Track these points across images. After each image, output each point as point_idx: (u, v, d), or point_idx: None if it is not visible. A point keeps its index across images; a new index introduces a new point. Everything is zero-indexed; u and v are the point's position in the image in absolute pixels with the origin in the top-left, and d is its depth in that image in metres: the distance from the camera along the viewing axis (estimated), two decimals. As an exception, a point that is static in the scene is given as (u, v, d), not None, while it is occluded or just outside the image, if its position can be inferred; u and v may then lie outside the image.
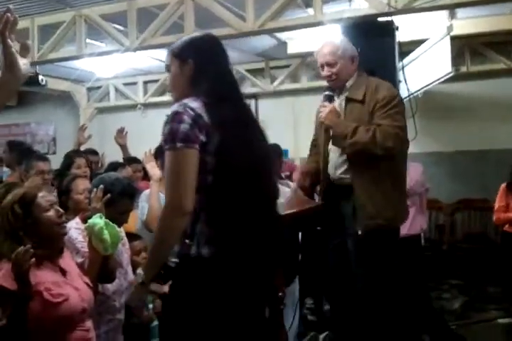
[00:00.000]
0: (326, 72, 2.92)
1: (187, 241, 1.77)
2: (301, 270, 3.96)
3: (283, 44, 6.52)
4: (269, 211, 1.88)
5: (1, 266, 1.90)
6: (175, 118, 1.75)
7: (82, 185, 3.01)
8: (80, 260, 2.39)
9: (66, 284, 1.99)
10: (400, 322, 2.87)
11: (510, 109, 6.44)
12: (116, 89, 8.59)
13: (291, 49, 6.57)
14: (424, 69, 5.04)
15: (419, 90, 5.13)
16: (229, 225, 1.75)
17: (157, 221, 1.80)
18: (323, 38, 5.25)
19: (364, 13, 4.18)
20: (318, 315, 4.55)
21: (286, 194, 2.63)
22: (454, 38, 4.78)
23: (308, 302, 4.72)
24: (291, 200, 2.65)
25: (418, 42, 5.19)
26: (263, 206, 1.84)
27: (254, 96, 7.89)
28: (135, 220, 3.52)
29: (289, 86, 7.63)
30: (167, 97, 7.28)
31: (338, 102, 2.94)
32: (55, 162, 4.38)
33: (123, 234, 2.73)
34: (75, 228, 2.58)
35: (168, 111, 1.83)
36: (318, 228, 3.50)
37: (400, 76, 4.21)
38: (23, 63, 1.54)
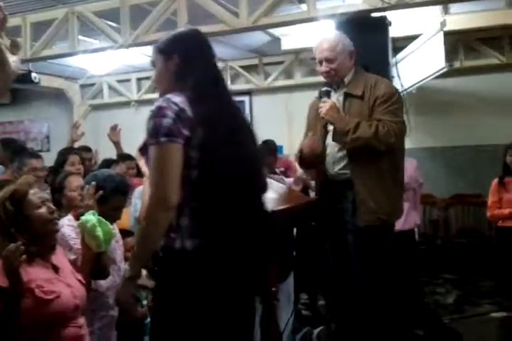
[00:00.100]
0: (324, 67, 2.91)
1: (172, 234, 1.77)
2: (296, 265, 3.97)
3: (277, 40, 6.52)
4: (255, 205, 1.88)
5: (-8, 263, 1.90)
6: (158, 113, 1.75)
7: (75, 182, 3.00)
8: (72, 257, 2.39)
9: (58, 281, 1.99)
10: (394, 317, 2.88)
11: (504, 105, 6.46)
12: (110, 86, 8.57)
13: (285, 45, 6.57)
14: (418, 64, 5.05)
15: (412, 86, 5.15)
16: (213, 219, 1.75)
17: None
18: (317, 34, 5.29)
19: (357, 8, 4.18)
20: (312, 310, 4.56)
21: (281, 189, 2.62)
22: (447, 34, 4.79)
23: (302, 297, 4.73)
24: (286, 196, 2.65)
25: (411, 38, 5.21)
26: (249, 200, 1.83)
27: (248, 92, 7.91)
28: (128, 217, 3.52)
29: (283, 82, 7.62)
30: (161, 94, 7.27)
31: (336, 98, 2.93)
32: (49, 159, 4.38)
33: (116, 230, 2.73)
34: (67, 225, 2.57)
35: None
36: (313, 223, 3.52)
37: (394, 72, 4.22)
38: (13, 60, 1.53)
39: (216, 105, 1.83)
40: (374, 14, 4.18)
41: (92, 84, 8.63)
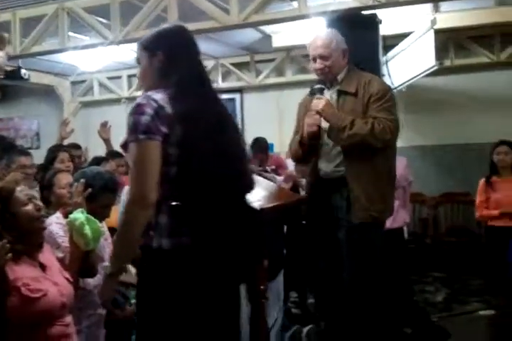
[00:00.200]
0: (318, 64, 2.91)
1: (150, 232, 1.77)
2: (286, 264, 3.97)
3: (268, 38, 6.50)
4: (238, 203, 1.86)
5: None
6: (137, 110, 1.75)
7: (64, 179, 2.99)
8: (60, 255, 2.38)
9: (45, 279, 1.98)
10: (383, 315, 2.89)
11: (494, 103, 6.48)
12: (101, 83, 8.52)
13: (276, 43, 6.56)
14: (408, 63, 5.06)
15: (403, 84, 5.16)
16: (191, 217, 1.74)
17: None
18: (308, 32, 5.29)
19: (348, 6, 4.17)
20: (302, 309, 4.56)
21: (270, 187, 2.62)
22: (437, 32, 4.79)
23: (292, 295, 4.73)
24: (275, 193, 2.64)
25: (402, 36, 5.21)
26: (231, 198, 1.82)
27: (240, 90, 7.90)
28: (117, 215, 3.49)
29: (274, 80, 7.61)
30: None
31: (329, 95, 2.93)
32: (39, 157, 4.35)
33: (105, 228, 2.72)
34: (55, 223, 2.56)
35: None
36: (303, 222, 3.52)
37: (384, 70, 4.22)
38: (0, 56, 1.52)
39: (198, 102, 1.82)
40: (364, 12, 4.17)
41: (83, 81, 8.58)
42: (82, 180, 2.45)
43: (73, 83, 8.60)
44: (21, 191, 2.03)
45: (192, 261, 1.73)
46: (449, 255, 6.12)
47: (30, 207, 2.01)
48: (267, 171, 4.72)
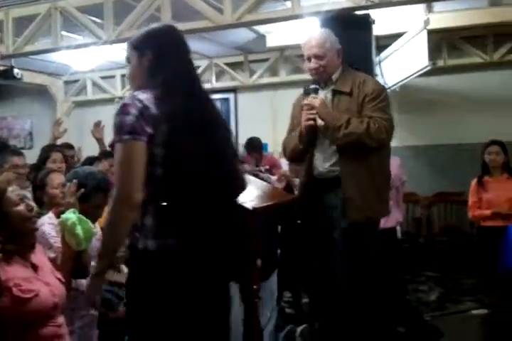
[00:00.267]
0: (313, 64, 2.91)
1: (136, 233, 1.76)
2: (280, 263, 3.97)
3: (262, 37, 6.51)
4: (227, 203, 1.86)
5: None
6: (122, 110, 1.75)
7: (57, 179, 2.98)
8: (52, 255, 2.37)
9: (37, 280, 1.97)
10: (377, 315, 2.90)
11: (487, 103, 6.51)
12: (94, 83, 8.51)
13: (270, 42, 6.57)
14: (402, 63, 5.07)
15: (396, 84, 5.17)
16: (176, 218, 1.74)
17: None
18: (301, 32, 5.29)
19: (341, 6, 4.18)
20: (296, 308, 4.56)
21: (263, 187, 2.62)
22: (431, 32, 4.81)
23: (286, 295, 4.73)
24: (268, 193, 2.64)
25: (395, 36, 5.22)
26: (219, 198, 1.81)
27: (233, 89, 7.90)
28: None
29: (268, 79, 7.62)
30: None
31: (323, 95, 2.93)
32: (32, 156, 4.34)
33: (97, 229, 2.70)
34: (48, 223, 2.55)
35: None
36: (298, 221, 3.52)
37: (377, 70, 4.23)
38: None
39: (185, 102, 1.81)
40: (358, 12, 4.18)
41: (76, 81, 8.56)
42: (75, 181, 2.44)
43: (66, 83, 8.59)
44: (13, 191, 2.02)
45: (177, 263, 1.73)
46: (442, 254, 6.14)
47: (21, 207, 2.00)
48: (261, 171, 4.72)
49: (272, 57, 7.44)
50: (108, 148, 4.65)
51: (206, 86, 6.34)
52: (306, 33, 3.12)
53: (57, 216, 2.42)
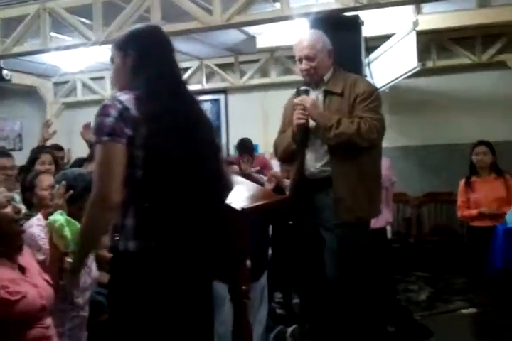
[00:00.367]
0: (304, 65, 2.92)
1: (116, 235, 1.77)
2: (272, 264, 3.97)
3: (252, 38, 6.52)
4: (210, 204, 1.85)
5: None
6: (102, 111, 1.75)
7: (46, 180, 2.98)
8: (41, 257, 2.36)
9: (24, 282, 1.96)
10: (368, 315, 2.90)
11: (476, 104, 6.55)
12: (84, 84, 8.47)
13: (260, 43, 6.57)
14: (391, 64, 5.10)
15: (385, 85, 5.19)
16: (157, 220, 1.73)
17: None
18: (291, 33, 5.30)
19: (330, 7, 4.19)
20: (286, 309, 4.57)
21: (252, 188, 2.62)
22: (420, 33, 4.83)
23: (276, 296, 4.74)
24: (257, 194, 2.65)
25: (384, 38, 5.24)
26: (201, 200, 1.81)
27: (224, 90, 7.90)
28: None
29: (258, 81, 7.62)
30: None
31: (315, 96, 2.94)
32: (22, 158, 4.33)
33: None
34: (36, 225, 2.55)
35: None
36: (290, 222, 3.52)
37: (366, 71, 4.24)
38: None
39: (167, 103, 1.81)
40: (347, 13, 4.19)
41: (66, 82, 8.52)
42: (63, 182, 2.43)
43: (56, 84, 8.54)
44: (0, 193, 2.01)
45: (158, 264, 1.73)
46: (432, 254, 6.17)
47: (8, 210, 1.99)
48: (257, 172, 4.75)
49: (263, 58, 7.44)
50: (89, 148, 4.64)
51: (196, 87, 6.36)
52: (296, 34, 3.13)
53: (46, 217, 2.41)
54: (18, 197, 3.43)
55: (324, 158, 2.87)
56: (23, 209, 2.91)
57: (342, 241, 2.81)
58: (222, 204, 1.93)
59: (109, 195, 1.70)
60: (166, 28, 4.76)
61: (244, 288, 2.11)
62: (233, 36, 6.44)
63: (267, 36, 6.43)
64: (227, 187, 1.95)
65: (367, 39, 4.21)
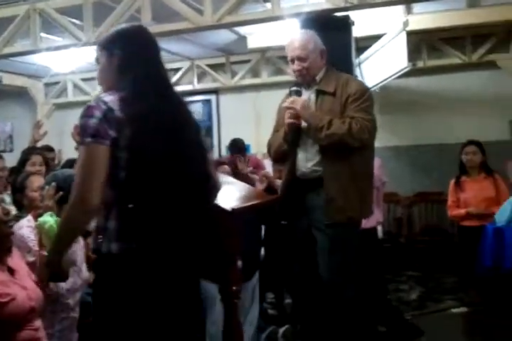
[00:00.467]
0: (296, 66, 2.91)
1: (100, 237, 1.76)
2: (264, 264, 3.98)
3: (243, 39, 6.52)
4: (194, 204, 1.84)
5: None
6: (86, 112, 1.74)
7: (36, 182, 2.96)
8: (31, 259, 2.35)
9: (14, 284, 1.96)
10: (359, 315, 2.91)
11: (466, 103, 6.59)
12: (75, 85, 8.45)
13: (252, 44, 6.58)
14: (381, 64, 5.11)
15: (376, 85, 5.21)
16: (140, 222, 1.73)
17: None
18: (282, 33, 5.31)
19: (321, 7, 4.20)
20: (278, 309, 4.57)
21: (243, 188, 2.62)
22: (410, 33, 4.85)
23: (269, 296, 4.74)
24: (248, 194, 2.65)
25: (375, 38, 5.26)
26: (184, 199, 1.80)
27: (215, 91, 7.90)
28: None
29: (250, 81, 7.63)
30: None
31: (307, 95, 2.94)
32: (13, 159, 4.31)
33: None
34: (26, 226, 2.54)
35: None
36: (283, 222, 3.52)
37: (357, 71, 4.26)
38: None
39: (152, 104, 1.79)
40: (337, 14, 4.20)
41: (56, 83, 8.49)
42: (53, 184, 2.43)
43: (47, 85, 8.51)
44: (-11, 194, 2.00)
45: (141, 265, 1.72)
46: (423, 254, 6.20)
47: (-4, 211, 1.99)
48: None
49: (254, 59, 7.45)
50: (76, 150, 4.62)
51: (188, 87, 6.35)
52: (287, 34, 3.12)
53: (36, 219, 2.40)
54: (8, 198, 3.43)
55: (315, 158, 2.87)
56: (13, 210, 2.92)
57: (333, 241, 2.81)
58: (209, 205, 1.92)
59: (89, 197, 1.69)
60: (157, 28, 4.78)
61: (234, 288, 2.11)
62: (224, 36, 6.45)
63: (258, 36, 6.44)
64: (215, 188, 1.95)
65: (357, 39, 4.23)
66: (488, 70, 6.56)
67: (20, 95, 8.44)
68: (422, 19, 5.88)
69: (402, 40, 4.70)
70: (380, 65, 5.11)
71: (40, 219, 2.23)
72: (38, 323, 2.00)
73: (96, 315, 1.83)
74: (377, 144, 3.04)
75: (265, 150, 5.99)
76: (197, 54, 7.40)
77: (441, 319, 4.46)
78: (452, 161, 4.87)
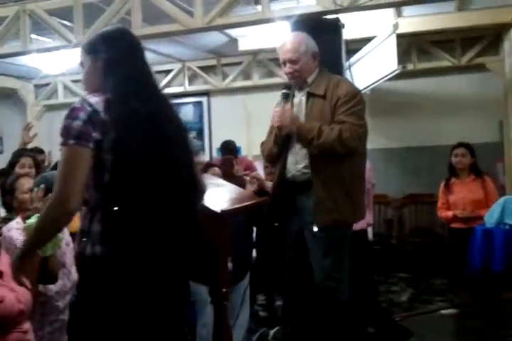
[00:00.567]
0: (288, 68, 2.91)
1: (84, 239, 1.75)
2: (256, 266, 3.98)
3: (234, 41, 6.53)
4: (179, 206, 1.83)
5: None
6: (71, 114, 1.73)
7: (26, 184, 2.94)
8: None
9: (2, 286, 1.95)
10: (349, 317, 2.92)
11: (455, 106, 6.64)
12: (65, 86, 8.41)
13: (243, 46, 6.58)
14: (371, 67, 5.13)
15: (366, 88, 5.22)
16: (123, 224, 1.72)
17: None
18: (273, 36, 5.32)
19: (311, 10, 4.21)
20: (269, 311, 4.57)
21: (234, 190, 2.62)
22: (400, 36, 4.87)
23: (259, 298, 4.74)
24: (238, 196, 2.65)
25: (365, 40, 5.27)
26: (170, 201, 1.80)
27: (206, 93, 7.90)
28: (78, 219, 3.45)
29: (241, 83, 7.63)
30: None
31: (299, 97, 2.94)
32: (2, 161, 4.28)
33: (66, 234, 2.68)
34: (15, 228, 2.53)
35: None
36: (276, 224, 3.52)
37: (347, 74, 4.27)
38: None
39: (137, 106, 1.79)
40: (327, 16, 4.21)
41: (47, 84, 8.46)
42: (43, 186, 2.42)
43: (37, 86, 8.49)
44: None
45: (125, 269, 1.72)
46: (413, 256, 6.22)
47: (-15, 213, 1.98)
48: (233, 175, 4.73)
49: (245, 61, 7.45)
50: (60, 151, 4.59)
51: (179, 89, 6.33)
52: (278, 36, 3.11)
53: (25, 221, 2.39)
54: (-4, 200, 3.40)
55: (305, 161, 2.86)
56: (3, 212, 2.90)
57: (325, 244, 2.81)
58: (195, 207, 1.91)
59: (68, 199, 1.67)
60: (147, 30, 4.78)
61: (224, 290, 2.11)
62: (215, 39, 6.45)
63: (249, 39, 6.44)
64: (200, 190, 1.95)
65: (347, 42, 4.23)
66: (478, 73, 6.62)
67: (10, 97, 8.40)
68: (412, 22, 5.91)
69: (392, 42, 4.71)
70: (370, 68, 5.12)
71: (28, 221, 2.21)
72: (27, 326, 1.99)
73: (78, 317, 1.81)
74: (367, 146, 3.04)
75: (256, 152, 6.03)
76: (188, 56, 7.40)
77: (431, 320, 4.48)
78: (442, 163, 4.89)
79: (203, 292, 3.10)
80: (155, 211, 1.76)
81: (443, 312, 4.61)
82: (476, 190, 4.50)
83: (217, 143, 6.97)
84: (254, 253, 4.17)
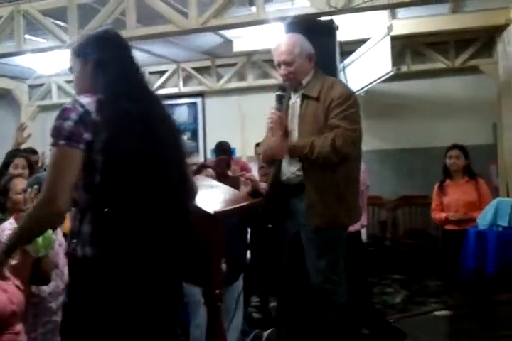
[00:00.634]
0: (282, 70, 2.90)
1: (74, 240, 1.75)
2: (250, 267, 3.97)
3: (229, 42, 6.53)
4: (171, 207, 1.83)
5: None
6: (62, 114, 1.73)
7: (20, 184, 2.93)
8: (14, 262, 2.32)
9: (-6, 287, 1.94)
10: (344, 317, 2.92)
11: (449, 108, 6.65)
12: (59, 87, 8.39)
13: (237, 47, 6.59)
14: (366, 68, 5.14)
15: (360, 89, 5.23)
16: (113, 225, 1.72)
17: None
18: (268, 37, 5.32)
19: (305, 12, 4.22)
20: (263, 313, 4.57)
21: (228, 191, 2.62)
22: (394, 38, 4.89)
23: (253, 300, 4.74)
24: (232, 197, 2.65)
25: (359, 42, 5.29)
26: (161, 203, 1.79)
27: (201, 94, 7.90)
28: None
29: (235, 84, 7.63)
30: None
31: (294, 99, 2.94)
32: (-4, 162, 4.25)
33: (59, 235, 2.68)
34: (9, 229, 2.51)
35: None
36: (270, 226, 3.52)
37: (341, 75, 4.28)
38: None
39: (129, 106, 1.78)
40: (322, 18, 4.22)
41: (41, 85, 8.44)
42: (36, 186, 2.40)
43: (31, 86, 8.47)
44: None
45: (116, 270, 1.72)
46: (407, 257, 6.23)
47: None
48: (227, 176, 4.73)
49: (240, 62, 7.45)
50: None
51: (173, 90, 6.32)
52: (272, 38, 3.11)
53: (18, 222, 2.38)
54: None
55: (299, 163, 2.85)
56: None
57: (320, 246, 2.80)
58: (186, 208, 1.91)
59: (56, 199, 1.67)
60: (142, 31, 4.78)
61: (218, 291, 2.11)
62: (210, 40, 6.45)
63: (243, 40, 6.45)
64: (192, 191, 1.95)
65: (342, 44, 4.24)
66: (472, 75, 6.64)
67: (4, 97, 8.38)
68: (406, 24, 5.93)
69: (387, 44, 4.73)
70: (365, 70, 5.13)
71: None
72: (19, 327, 1.98)
73: (71, 319, 1.82)
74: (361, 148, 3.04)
75: (250, 153, 6.03)
76: (183, 57, 7.40)
77: (425, 322, 4.49)
78: (436, 165, 4.90)
79: (196, 293, 3.09)
80: (146, 212, 1.75)
81: (437, 313, 4.62)
82: (470, 191, 4.51)
83: (211, 144, 6.97)
84: (248, 254, 4.17)
